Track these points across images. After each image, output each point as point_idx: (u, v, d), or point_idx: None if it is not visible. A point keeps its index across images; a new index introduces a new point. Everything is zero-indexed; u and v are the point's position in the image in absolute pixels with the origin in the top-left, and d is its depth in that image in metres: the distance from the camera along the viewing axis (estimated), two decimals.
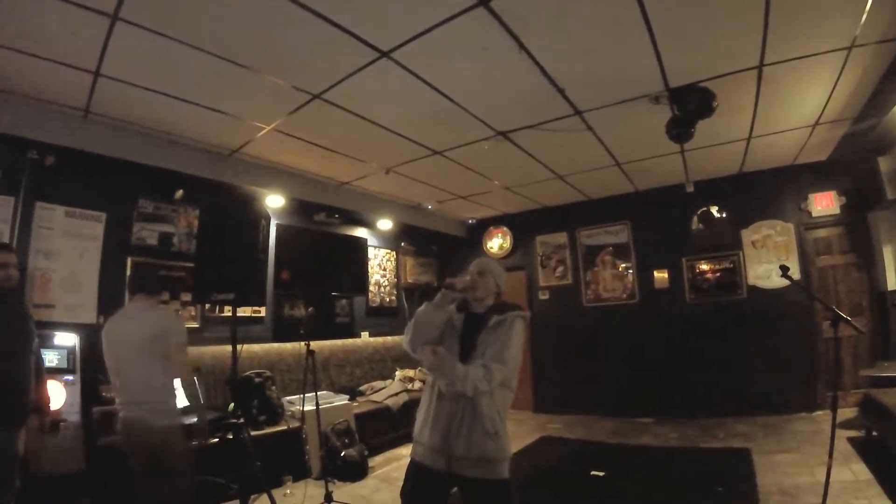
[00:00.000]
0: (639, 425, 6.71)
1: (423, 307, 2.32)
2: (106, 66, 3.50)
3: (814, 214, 6.52)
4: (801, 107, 4.72)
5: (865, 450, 4.53)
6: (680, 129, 4.19)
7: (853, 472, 4.03)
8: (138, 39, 3.18)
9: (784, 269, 3.24)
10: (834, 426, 2.95)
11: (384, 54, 3.52)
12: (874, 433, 4.55)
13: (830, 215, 6.47)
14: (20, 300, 2.73)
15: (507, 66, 3.72)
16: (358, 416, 5.78)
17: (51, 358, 3.66)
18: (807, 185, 6.55)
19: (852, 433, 5.01)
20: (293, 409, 5.27)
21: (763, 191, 6.75)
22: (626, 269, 7.73)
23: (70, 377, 3.73)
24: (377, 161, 5.80)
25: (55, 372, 3.64)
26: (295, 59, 3.57)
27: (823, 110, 4.80)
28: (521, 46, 3.41)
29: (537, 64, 3.68)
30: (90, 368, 3.98)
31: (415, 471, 2.30)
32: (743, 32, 3.37)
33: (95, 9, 2.85)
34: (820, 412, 5.95)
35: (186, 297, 5.14)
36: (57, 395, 3.59)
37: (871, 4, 3.05)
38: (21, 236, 4.04)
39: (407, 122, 4.77)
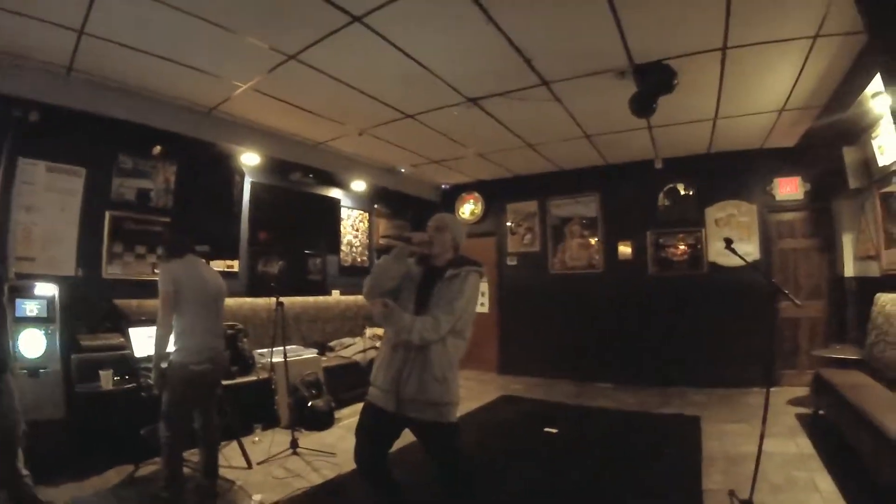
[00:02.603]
0: (598, 390, 7.07)
1: (381, 259, 2.48)
2: (90, 25, 3.54)
3: (778, 198, 6.78)
4: (767, 92, 4.86)
5: (812, 426, 4.83)
6: (641, 104, 4.32)
7: (798, 446, 4.33)
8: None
9: (728, 242, 3.32)
10: (767, 397, 3.19)
11: (356, 19, 3.59)
12: (821, 411, 4.81)
13: (794, 200, 6.73)
14: None
15: (475, 35, 3.81)
16: (327, 370, 5.99)
17: (31, 307, 3.78)
18: (773, 169, 6.78)
19: (802, 410, 5.34)
20: (264, 361, 5.46)
21: (730, 172, 6.96)
22: (593, 239, 7.98)
23: (50, 326, 3.85)
24: (351, 122, 5.86)
25: (35, 321, 3.77)
26: (271, 20, 3.63)
27: (789, 97, 4.95)
28: (489, 17, 3.53)
29: (504, 34, 3.79)
30: (69, 318, 4.12)
31: (368, 411, 2.50)
32: (705, 14, 3.49)
33: None
34: (775, 388, 6.17)
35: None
36: (37, 343, 3.75)
37: None
38: (3, 191, 4.11)
39: (380, 86, 4.85)
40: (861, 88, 4.33)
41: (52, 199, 4.48)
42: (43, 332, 3.76)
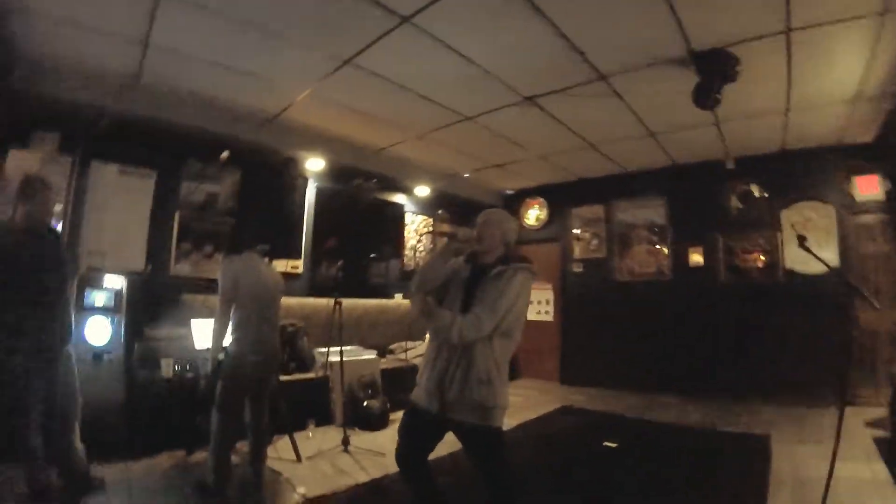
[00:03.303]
0: (664, 403, 6.69)
1: (428, 257, 2.47)
2: (154, 36, 3.80)
3: (857, 199, 6.17)
4: (839, 78, 4.47)
5: (889, 451, 4.34)
6: (704, 95, 4.07)
7: (872, 472, 3.92)
8: (181, 13, 3.47)
9: (801, 239, 3.09)
10: (841, 417, 2.97)
11: (405, 19, 3.64)
12: None
13: (875, 201, 6.10)
14: (57, 237, 3.06)
15: (525, 30, 3.75)
16: (384, 372, 6.06)
17: (99, 297, 4.08)
18: (851, 167, 6.19)
19: (880, 433, 4.82)
20: (323, 359, 5.59)
21: (805, 171, 6.44)
22: (661, 244, 7.61)
23: (116, 316, 4.13)
24: (411, 127, 5.92)
25: (103, 310, 4.07)
26: (323, 26, 3.75)
27: (863, 83, 4.53)
28: (536, 7, 3.45)
29: (554, 26, 3.70)
30: (136, 310, 4.43)
31: (412, 411, 2.47)
32: None
33: None
34: (852, 408, 5.52)
35: None
36: (103, 330, 4.03)
37: None
38: (78, 191, 4.45)
39: (435, 87, 4.87)
40: None
41: (123, 199, 4.80)
42: (109, 320, 4.05)
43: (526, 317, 2.43)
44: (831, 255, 6.12)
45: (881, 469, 3.98)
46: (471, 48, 4.11)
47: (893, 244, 6.05)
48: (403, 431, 2.48)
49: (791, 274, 6.48)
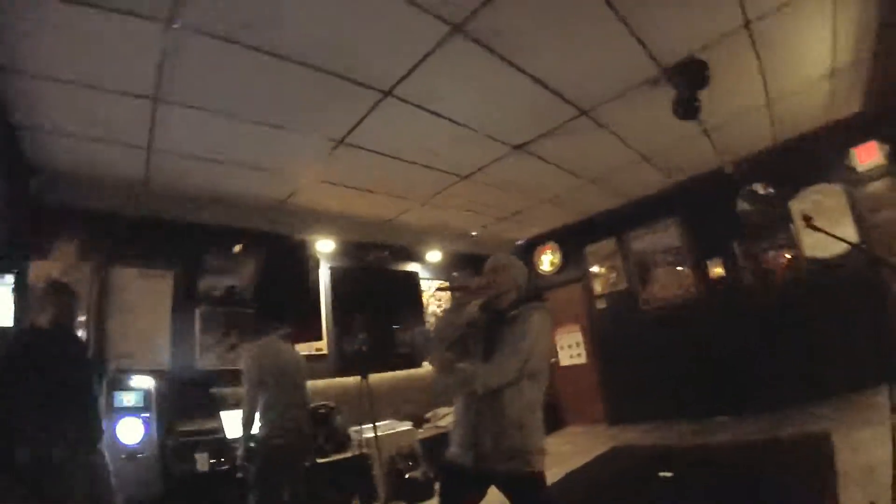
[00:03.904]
0: (717, 424, 6.36)
1: (442, 312, 2.46)
2: (156, 142, 4.05)
3: (859, 169, 5.99)
4: (809, 57, 4.48)
5: None
6: (684, 106, 4.14)
7: None
8: (178, 116, 3.73)
9: (807, 220, 3.06)
10: (892, 390, 2.83)
11: (386, 93, 3.88)
12: None
13: (877, 167, 5.90)
14: (76, 337, 3.17)
15: (500, 82, 3.96)
16: (423, 441, 5.93)
17: (128, 398, 4.15)
18: (846, 141, 6.06)
19: None
20: (360, 437, 5.50)
21: (803, 156, 6.35)
22: (680, 265, 7.49)
23: (146, 415, 4.18)
24: (412, 194, 6.09)
25: (133, 410, 4.12)
26: (311, 112, 4.00)
27: (835, 56, 4.52)
28: (504, 60, 3.65)
29: (527, 74, 3.89)
30: (167, 406, 4.47)
31: (448, 471, 2.37)
32: None
33: (137, 93, 3.41)
34: None
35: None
36: (135, 430, 4.05)
37: None
38: (100, 296, 4.60)
39: (427, 152, 5.04)
40: None
41: (144, 300, 4.93)
42: (140, 420, 4.08)
43: (552, 356, 2.40)
44: (850, 233, 5.88)
45: None
46: (452, 109, 4.31)
47: None
48: (443, 493, 2.38)
49: (814, 262, 6.26)
